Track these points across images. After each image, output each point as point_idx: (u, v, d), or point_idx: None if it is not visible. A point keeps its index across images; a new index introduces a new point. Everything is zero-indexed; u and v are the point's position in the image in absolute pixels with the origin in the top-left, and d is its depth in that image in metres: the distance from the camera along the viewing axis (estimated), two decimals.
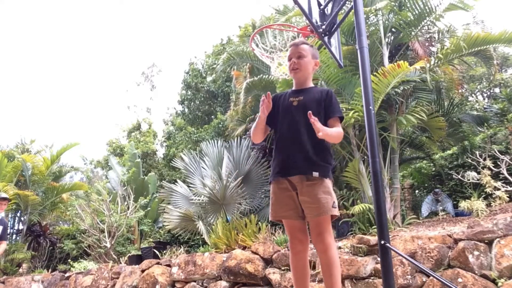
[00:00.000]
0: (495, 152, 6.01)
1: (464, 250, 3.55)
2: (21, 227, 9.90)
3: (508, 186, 5.48)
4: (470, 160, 6.29)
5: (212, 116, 13.42)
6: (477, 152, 6.16)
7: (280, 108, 2.45)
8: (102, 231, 8.16)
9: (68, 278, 7.12)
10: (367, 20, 6.31)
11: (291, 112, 2.39)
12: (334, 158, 2.41)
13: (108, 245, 7.96)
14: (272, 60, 5.09)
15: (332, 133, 2.25)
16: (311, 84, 2.51)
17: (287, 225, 2.36)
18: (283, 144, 2.37)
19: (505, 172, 5.62)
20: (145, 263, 6.09)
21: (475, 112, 8.36)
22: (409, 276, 3.73)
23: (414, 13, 6.13)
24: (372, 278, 3.96)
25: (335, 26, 3.35)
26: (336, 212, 2.27)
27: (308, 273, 2.36)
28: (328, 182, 2.29)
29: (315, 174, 2.24)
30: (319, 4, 3.41)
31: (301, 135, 2.31)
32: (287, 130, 2.37)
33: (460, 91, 7.63)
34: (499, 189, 5.39)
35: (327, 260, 2.21)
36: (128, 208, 8.43)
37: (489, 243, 3.60)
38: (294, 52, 2.46)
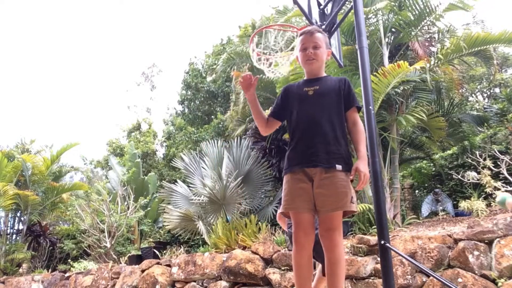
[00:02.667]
0: (495, 152, 6.01)
1: (464, 250, 3.55)
2: (21, 227, 9.90)
3: (508, 186, 5.48)
4: (470, 160, 6.29)
5: (212, 116, 13.42)
6: (477, 152, 6.16)
7: (294, 98, 2.36)
8: (102, 231, 8.16)
9: (68, 278, 7.13)
10: (367, 20, 6.31)
11: (308, 102, 2.29)
12: None
13: (108, 245, 7.96)
14: (268, 66, 5.03)
15: (363, 145, 2.23)
16: (324, 73, 2.41)
17: (295, 217, 2.22)
18: (302, 135, 2.26)
19: (505, 172, 5.62)
20: (145, 263, 6.09)
21: (475, 112, 8.36)
22: (409, 276, 3.74)
23: (414, 13, 6.13)
24: (372, 278, 3.97)
25: (335, 26, 3.35)
26: (355, 207, 2.16)
27: (311, 273, 2.25)
28: (348, 176, 2.19)
29: (339, 167, 2.14)
30: (319, 4, 3.41)
31: (322, 127, 2.22)
32: (306, 120, 2.27)
33: (460, 91, 7.62)
34: (499, 189, 5.39)
35: (333, 258, 2.11)
36: (128, 208, 8.43)
37: (489, 243, 3.60)
38: (309, 41, 2.32)
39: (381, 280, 3.37)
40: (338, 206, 2.12)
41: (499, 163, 5.75)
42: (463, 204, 5.24)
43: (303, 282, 2.22)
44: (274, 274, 4.66)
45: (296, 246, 2.21)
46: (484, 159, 5.84)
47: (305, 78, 2.43)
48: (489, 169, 5.63)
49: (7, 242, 9.19)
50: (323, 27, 3.29)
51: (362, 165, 2.13)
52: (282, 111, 2.43)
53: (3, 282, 7.72)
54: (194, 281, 5.39)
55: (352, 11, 3.09)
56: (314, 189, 2.17)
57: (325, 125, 2.22)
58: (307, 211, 2.18)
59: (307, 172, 2.20)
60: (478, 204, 5.06)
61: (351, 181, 2.21)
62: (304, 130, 2.26)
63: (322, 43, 2.34)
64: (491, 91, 11.06)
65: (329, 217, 2.14)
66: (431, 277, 3.58)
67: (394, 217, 5.58)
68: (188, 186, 7.78)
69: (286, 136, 7.26)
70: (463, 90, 8.83)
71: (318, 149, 2.19)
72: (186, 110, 14.39)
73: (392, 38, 6.61)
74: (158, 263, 5.97)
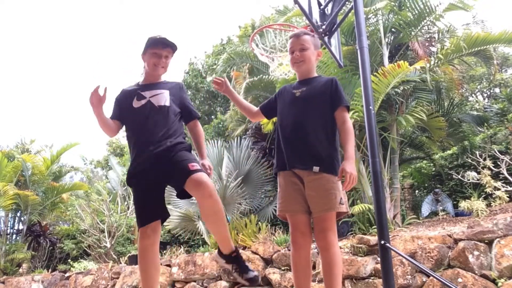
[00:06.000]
0: (495, 152, 6.01)
1: (464, 250, 3.55)
2: (21, 227, 9.89)
3: (508, 186, 5.48)
4: (470, 160, 6.29)
5: (212, 116, 13.41)
6: (477, 152, 6.16)
7: (284, 100, 2.45)
8: (102, 231, 8.16)
9: (68, 278, 7.13)
10: (367, 20, 6.30)
11: (294, 104, 2.36)
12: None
13: (108, 245, 7.96)
14: (271, 60, 5.10)
15: (350, 146, 2.20)
16: (315, 75, 2.46)
17: (291, 219, 2.28)
18: (287, 136, 2.33)
19: (505, 172, 5.62)
20: None
21: (475, 112, 8.37)
22: (409, 276, 3.74)
23: (414, 13, 6.13)
24: (372, 278, 3.96)
25: (335, 26, 3.35)
26: (344, 208, 2.19)
27: (310, 272, 2.28)
28: (335, 177, 2.20)
29: (315, 169, 2.18)
30: (319, 4, 3.41)
31: (305, 128, 2.27)
32: (290, 122, 2.33)
33: (460, 91, 7.62)
34: (499, 189, 5.39)
35: (329, 258, 2.14)
36: (128, 208, 8.43)
37: (489, 243, 3.60)
38: (296, 44, 2.39)
39: (381, 280, 3.37)
40: (326, 208, 2.15)
41: (499, 163, 5.75)
42: (463, 204, 5.23)
43: (301, 281, 2.26)
44: (274, 274, 4.66)
45: (294, 247, 2.26)
46: (484, 159, 5.84)
47: (297, 80, 2.50)
48: (489, 169, 5.63)
49: (7, 242, 9.18)
50: (324, 27, 3.29)
51: (348, 165, 2.12)
52: (270, 109, 2.57)
53: (3, 282, 7.71)
54: (194, 281, 5.39)
55: (352, 11, 3.10)
56: (306, 190, 2.23)
57: (308, 128, 2.27)
58: (302, 213, 2.24)
59: (296, 173, 2.26)
60: (478, 204, 5.05)
61: (342, 182, 2.21)
62: (288, 132, 2.33)
63: (309, 44, 2.39)
64: (491, 91, 11.06)
65: (321, 218, 2.17)
66: (431, 277, 3.58)
67: (394, 217, 5.58)
68: None
69: None
70: (463, 90, 8.84)
71: (301, 152, 2.24)
72: None
73: (392, 38, 6.61)
74: None
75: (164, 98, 2.48)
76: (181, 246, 7.91)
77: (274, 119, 2.84)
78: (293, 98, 2.38)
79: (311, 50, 2.40)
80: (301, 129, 2.28)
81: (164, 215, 2.45)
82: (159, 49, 2.50)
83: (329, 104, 2.29)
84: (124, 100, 2.52)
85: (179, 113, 2.53)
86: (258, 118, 2.70)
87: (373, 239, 4.18)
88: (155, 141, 2.34)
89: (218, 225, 2.29)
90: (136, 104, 2.46)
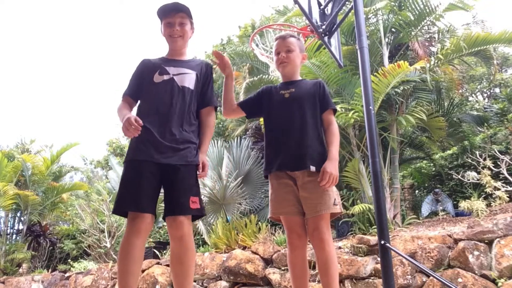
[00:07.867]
0: (495, 152, 6.01)
1: (464, 250, 3.56)
2: (21, 227, 9.90)
3: (508, 186, 5.48)
4: (470, 160, 6.29)
5: None
6: (477, 152, 6.16)
7: (270, 100, 2.44)
8: (102, 231, 8.17)
9: (68, 278, 7.13)
10: (367, 20, 6.30)
11: (284, 105, 2.37)
12: None
13: (108, 245, 7.96)
14: (271, 60, 5.10)
15: (334, 147, 2.26)
16: (299, 77, 2.51)
17: (285, 220, 2.31)
18: (279, 137, 2.34)
19: (505, 172, 5.62)
20: (145, 263, 6.09)
21: (475, 112, 8.36)
22: (409, 276, 3.74)
23: (414, 13, 6.13)
24: (372, 278, 3.97)
25: (335, 26, 3.35)
26: (338, 209, 2.23)
27: (307, 272, 2.30)
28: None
29: (312, 168, 2.20)
30: (319, 4, 3.41)
31: (297, 129, 2.28)
32: (282, 123, 2.35)
33: (460, 91, 7.63)
34: (499, 189, 5.39)
35: (324, 257, 2.15)
36: None
37: (489, 243, 3.61)
38: (282, 45, 2.43)
39: (381, 280, 3.37)
40: (321, 209, 2.17)
41: (499, 163, 5.75)
42: (463, 204, 5.23)
43: (299, 281, 2.29)
44: (274, 274, 4.66)
45: (290, 248, 2.29)
46: (484, 159, 5.84)
47: (282, 81, 2.52)
48: (489, 169, 5.63)
49: (7, 242, 9.18)
50: (324, 27, 3.29)
51: (329, 165, 2.19)
52: (253, 107, 2.52)
53: (3, 282, 7.71)
54: (194, 281, 5.39)
55: (352, 11, 3.10)
56: (299, 192, 2.24)
57: (300, 128, 2.28)
58: (296, 214, 2.26)
59: (289, 174, 2.27)
60: (478, 204, 5.05)
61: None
62: (280, 133, 2.33)
63: (295, 47, 2.43)
64: (491, 91, 11.06)
65: (316, 218, 2.19)
66: (431, 277, 3.58)
67: (394, 217, 5.58)
68: None
69: None
70: (463, 90, 8.84)
71: (294, 153, 2.24)
72: None
73: (392, 38, 6.61)
74: (158, 263, 5.97)
75: (189, 79, 2.24)
76: None
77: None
78: (282, 99, 2.39)
79: (296, 52, 2.44)
80: (293, 130, 2.29)
81: (154, 213, 2.11)
82: (171, 17, 2.26)
83: (318, 106, 2.35)
84: (147, 72, 2.25)
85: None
86: (235, 114, 2.63)
87: (373, 239, 4.18)
88: (166, 132, 2.10)
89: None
90: (157, 78, 2.20)
